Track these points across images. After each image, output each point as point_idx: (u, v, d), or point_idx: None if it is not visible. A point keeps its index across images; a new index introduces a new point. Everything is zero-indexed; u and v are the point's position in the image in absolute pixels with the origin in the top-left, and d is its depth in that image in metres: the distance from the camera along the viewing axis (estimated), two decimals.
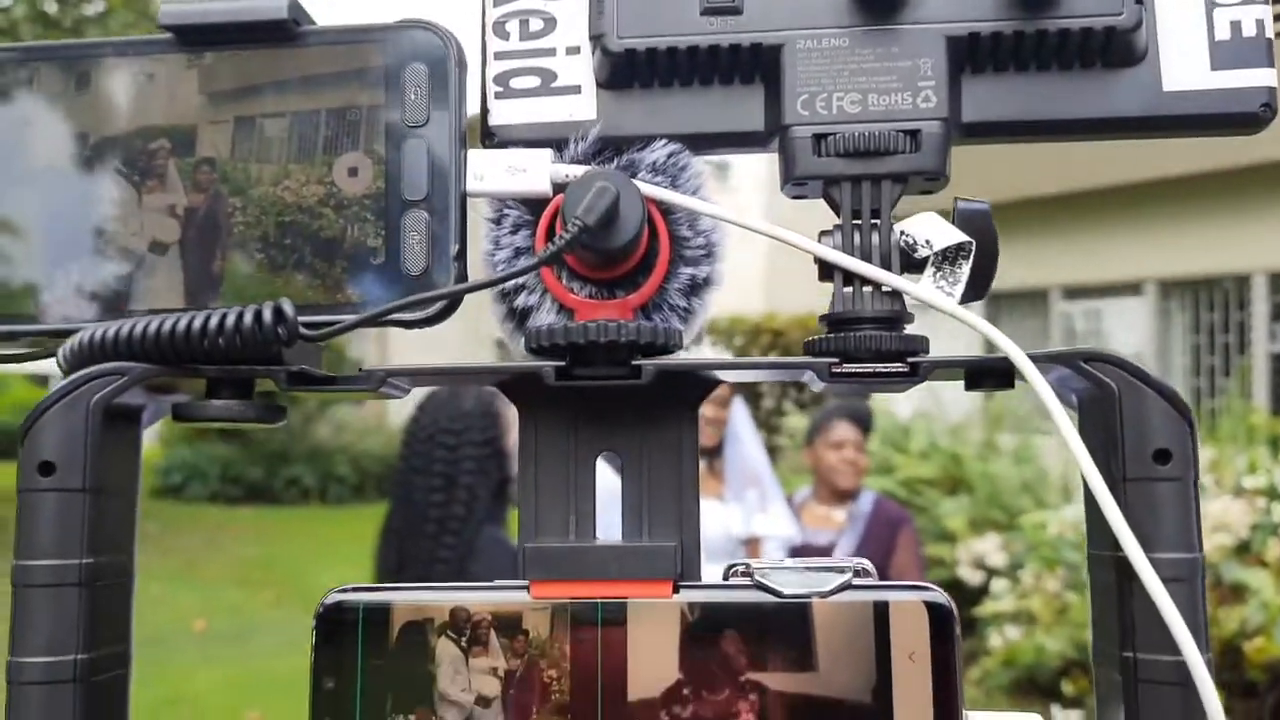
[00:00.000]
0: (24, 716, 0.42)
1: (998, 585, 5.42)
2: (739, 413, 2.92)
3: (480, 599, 0.46)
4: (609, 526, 0.49)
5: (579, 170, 0.48)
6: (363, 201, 0.48)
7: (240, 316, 0.45)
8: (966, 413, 7.09)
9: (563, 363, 0.46)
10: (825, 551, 2.95)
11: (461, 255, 0.48)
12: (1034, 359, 0.44)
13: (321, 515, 10.22)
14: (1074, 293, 8.31)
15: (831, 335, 0.46)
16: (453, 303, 0.47)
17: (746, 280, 10.18)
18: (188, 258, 0.48)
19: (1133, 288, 7.80)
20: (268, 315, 0.45)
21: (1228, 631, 4.22)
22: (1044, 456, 6.21)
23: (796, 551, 2.88)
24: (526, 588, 0.46)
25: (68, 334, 0.48)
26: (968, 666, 5.22)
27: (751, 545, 2.74)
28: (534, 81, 0.50)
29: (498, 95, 0.50)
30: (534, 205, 0.49)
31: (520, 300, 0.49)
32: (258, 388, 0.48)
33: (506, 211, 0.50)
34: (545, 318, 0.49)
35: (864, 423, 3.07)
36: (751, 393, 8.49)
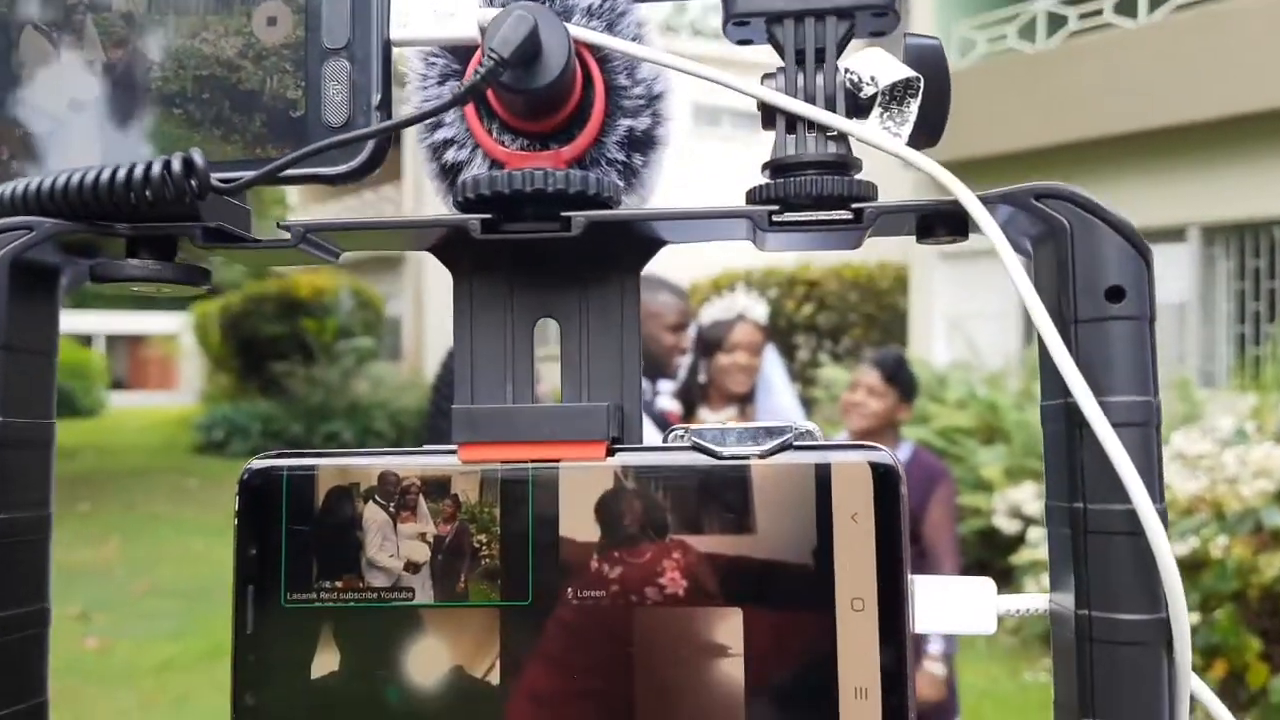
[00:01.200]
0: None
1: (1034, 534, 5.38)
2: (772, 361, 2.89)
3: (408, 463, 0.44)
4: None
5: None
6: (282, 51, 0.46)
7: (149, 168, 0.43)
8: (1005, 362, 7.01)
9: (489, 215, 0.44)
10: None
11: (385, 104, 0.45)
12: (984, 200, 0.41)
13: None
14: None
15: (772, 182, 0.44)
16: (377, 153, 0.45)
17: None
18: (106, 115, 0.47)
19: (1176, 233, 7.66)
20: (177, 166, 0.43)
21: (1268, 578, 4.16)
22: None
23: None
24: (455, 452, 0.44)
25: None
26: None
27: None
28: None
29: None
30: (463, 54, 0.47)
31: (450, 155, 0.47)
32: (181, 250, 0.46)
33: (433, 60, 0.47)
34: (479, 170, 0.46)
35: (888, 370, 3.02)
36: (786, 345, 8.43)
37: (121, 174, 0.43)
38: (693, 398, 2.81)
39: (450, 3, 0.46)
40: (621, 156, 0.46)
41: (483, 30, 0.45)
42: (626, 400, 0.47)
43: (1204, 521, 4.42)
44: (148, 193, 0.42)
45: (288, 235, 0.45)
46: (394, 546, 0.44)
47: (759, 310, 2.88)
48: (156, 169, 0.42)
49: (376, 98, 0.45)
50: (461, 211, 0.46)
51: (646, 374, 2.65)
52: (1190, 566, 4.51)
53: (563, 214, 0.44)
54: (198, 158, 0.43)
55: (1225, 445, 4.68)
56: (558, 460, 0.44)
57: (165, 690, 5.02)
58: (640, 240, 0.47)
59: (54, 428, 0.45)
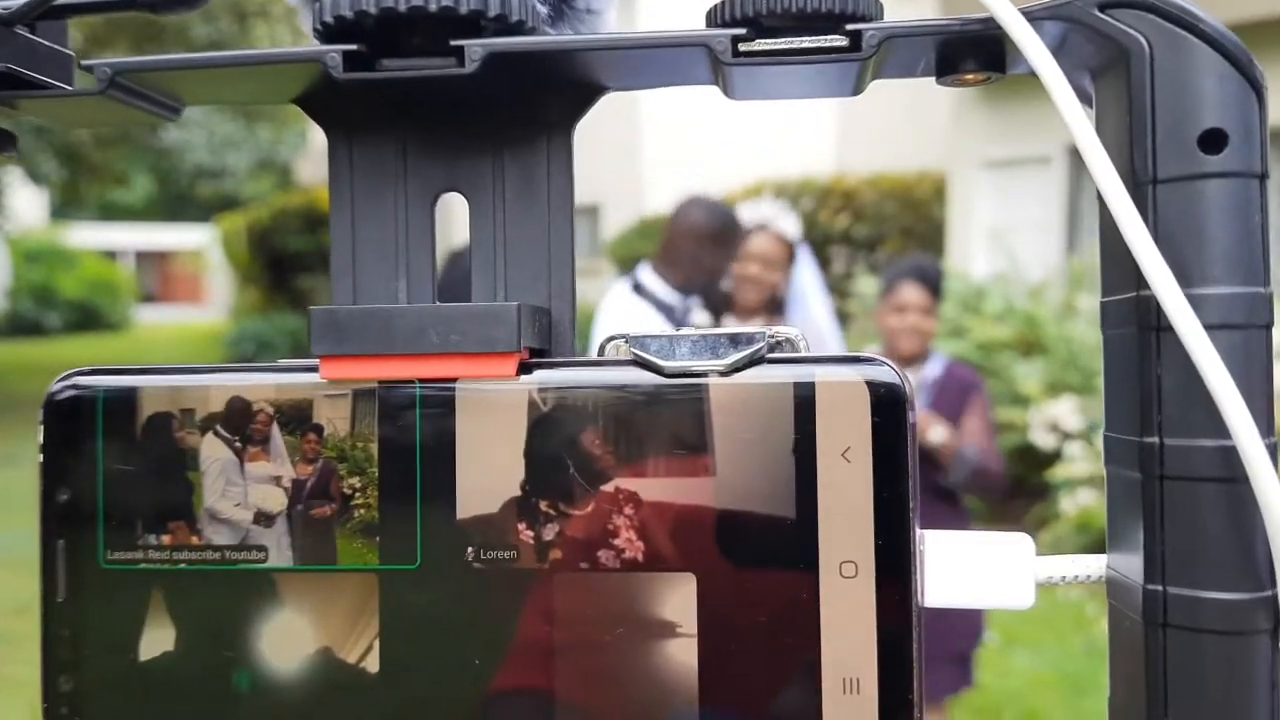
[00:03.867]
0: None
1: (1071, 449, 5.25)
2: (806, 272, 2.74)
3: (253, 382, 0.34)
4: None
5: None
6: None
7: None
8: (1046, 273, 6.82)
9: (356, 48, 0.33)
10: None
11: None
12: (1029, 15, 0.29)
13: None
14: None
15: None
16: None
17: (817, 142, 9.83)
18: None
19: None
20: None
21: None
22: None
23: None
24: (316, 368, 0.34)
25: None
26: (1039, 531, 5.10)
27: None
28: None
29: None
30: None
31: None
32: None
33: None
34: None
35: (933, 284, 2.87)
36: (821, 257, 8.25)
37: None
38: (719, 308, 2.68)
39: None
40: None
41: None
42: (555, 300, 0.36)
43: None
44: None
45: (89, 80, 0.34)
46: (240, 493, 0.33)
47: (785, 221, 2.72)
48: None
49: None
50: (323, 43, 0.34)
51: (685, 292, 2.51)
52: None
53: (454, 43, 0.32)
54: None
55: None
56: (453, 379, 0.33)
57: None
58: (569, 85, 0.35)
59: None
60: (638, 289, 2.49)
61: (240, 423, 0.33)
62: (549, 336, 0.35)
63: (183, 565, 0.33)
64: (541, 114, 0.36)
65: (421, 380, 0.33)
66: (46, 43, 0.35)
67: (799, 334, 0.33)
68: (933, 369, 2.90)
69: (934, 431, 2.62)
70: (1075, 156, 7.29)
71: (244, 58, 0.34)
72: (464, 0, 0.32)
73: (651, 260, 2.54)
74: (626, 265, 6.10)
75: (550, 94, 0.35)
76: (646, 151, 10.19)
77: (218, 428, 0.33)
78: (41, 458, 0.34)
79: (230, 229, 12.28)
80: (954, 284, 6.02)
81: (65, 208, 19.86)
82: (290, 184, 12.85)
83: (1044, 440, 5.34)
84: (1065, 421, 5.28)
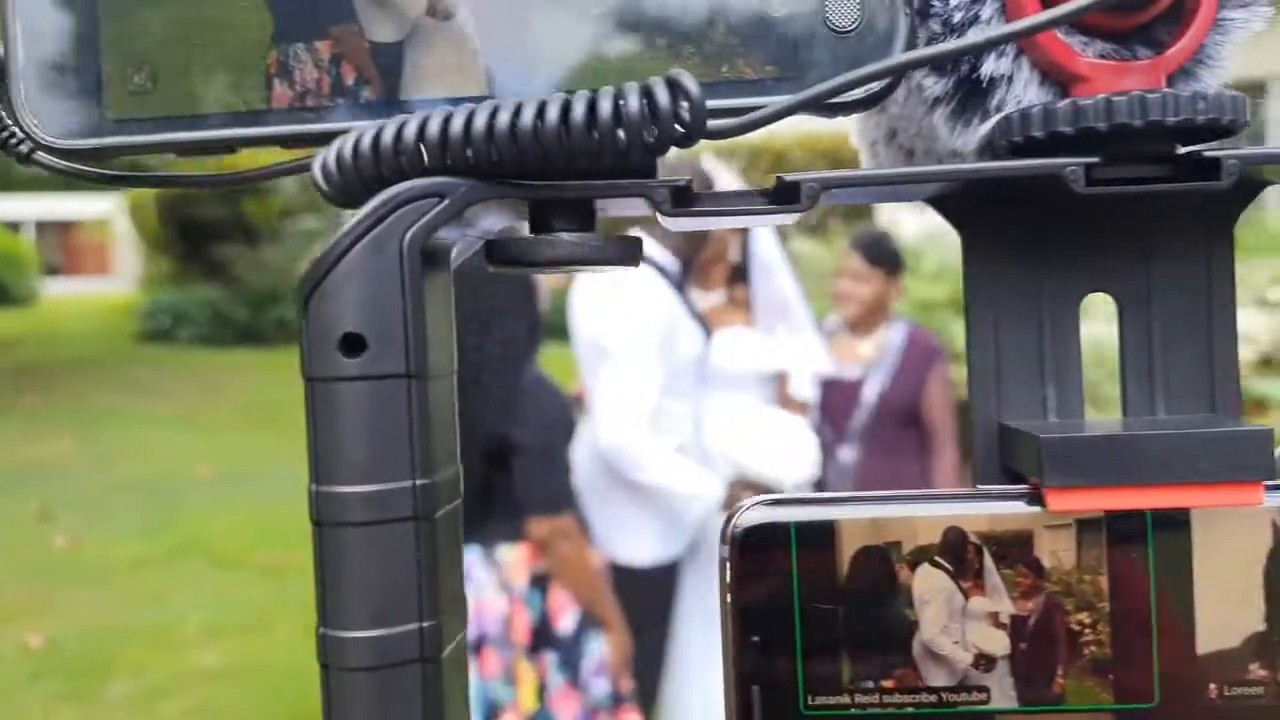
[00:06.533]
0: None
1: None
2: (766, 238, 2.72)
3: (965, 511, 0.32)
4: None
5: None
6: None
7: (617, 99, 0.28)
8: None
9: (1095, 159, 0.30)
10: (854, 387, 2.83)
11: (923, 1, 0.31)
12: None
13: None
14: None
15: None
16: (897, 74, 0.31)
17: None
18: (482, 23, 0.32)
19: None
20: (662, 96, 0.28)
21: None
22: None
23: (826, 386, 2.75)
24: (1033, 496, 0.32)
25: (317, 138, 0.32)
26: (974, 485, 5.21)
27: (780, 381, 2.61)
28: None
29: None
30: None
31: (988, 68, 0.33)
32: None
33: None
34: (1025, 92, 0.33)
35: (871, 253, 2.90)
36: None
37: (580, 110, 0.28)
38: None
39: None
40: (1226, 62, 0.33)
41: None
42: (1220, 409, 0.34)
43: None
44: (620, 134, 0.28)
45: (789, 195, 0.31)
46: (958, 630, 0.31)
47: (725, 179, 2.65)
48: (634, 102, 0.28)
49: None
50: (992, 152, 0.32)
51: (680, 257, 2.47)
52: None
53: (1182, 151, 0.30)
54: (689, 84, 0.28)
55: None
56: (1187, 507, 0.31)
57: (141, 588, 4.91)
58: (1239, 182, 0.33)
59: (461, 487, 0.32)
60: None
61: (956, 556, 0.31)
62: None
63: (893, 709, 0.31)
64: (1207, 211, 0.34)
65: (1156, 508, 0.31)
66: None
67: None
68: (895, 336, 2.94)
69: None
70: None
71: (965, 170, 0.31)
72: (1206, 109, 0.30)
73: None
74: None
75: (1223, 193, 0.33)
76: None
77: (934, 559, 0.31)
78: (730, 596, 0.31)
79: (138, 197, 11.87)
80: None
81: None
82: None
83: None
84: None
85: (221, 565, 5.26)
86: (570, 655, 2.25)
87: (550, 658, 2.23)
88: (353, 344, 0.28)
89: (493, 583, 2.22)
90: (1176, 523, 0.31)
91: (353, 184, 0.30)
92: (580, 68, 0.32)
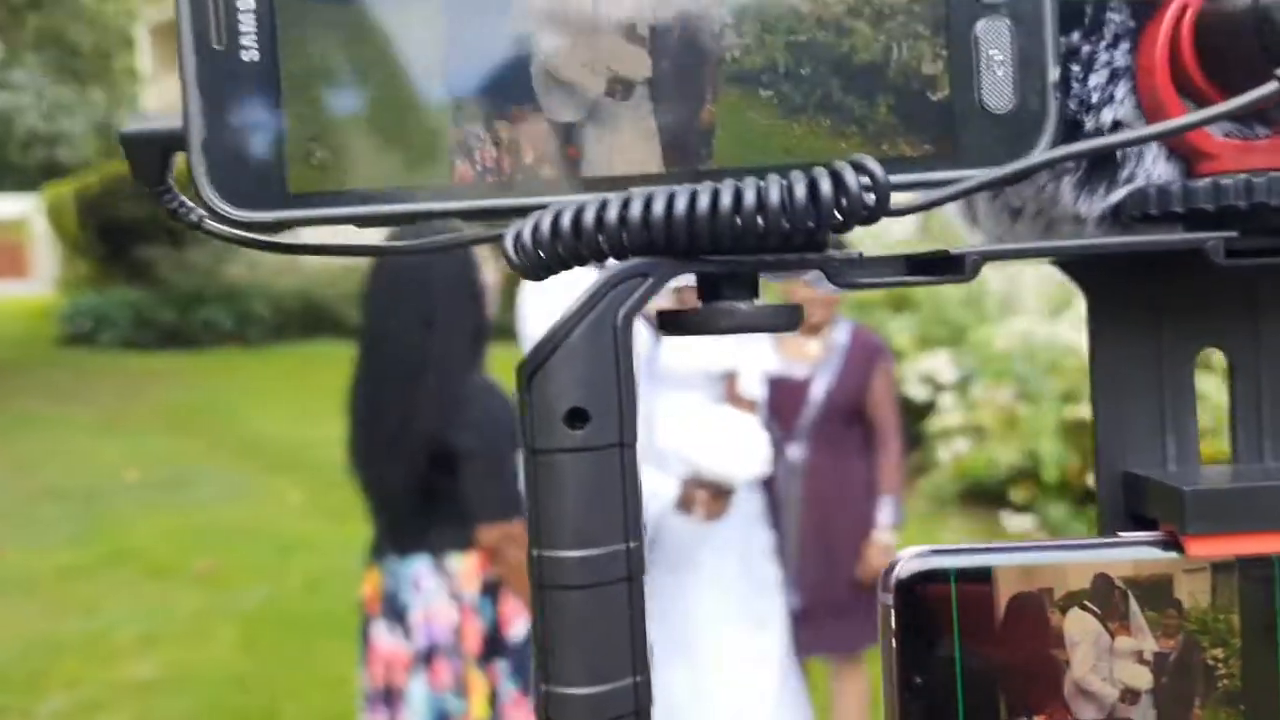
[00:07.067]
0: None
1: (945, 400, 5.48)
2: None
3: (1111, 558, 0.34)
4: None
5: None
6: (911, 9, 0.33)
7: (813, 184, 0.31)
8: (907, 230, 7.05)
9: (1233, 234, 0.33)
10: (802, 386, 2.89)
11: (1065, 86, 0.34)
12: None
13: (241, 357, 9.89)
14: None
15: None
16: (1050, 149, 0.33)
17: None
18: (660, 99, 0.34)
19: None
20: (851, 180, 0.30)
21: None
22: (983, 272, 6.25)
23: (774, 385, 2.80)
24: (1172, 543, 0.34)
25: (497, 212, 0.33)
26: (916, 479, 5.32)
27: (729, 380, 2.64)
28: None
29: None
30: (1134, 7, 0.35)
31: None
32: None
33: (1109, 16, 0.35)
34: (1154, 167, 0.35)
35: None
36: None
37: (774, 195, 0.30)
38: None
39: None
40: None
41: None
42: None
43: None
44: (812, 217, 0.30)
45: (954, 267, 0.33)
46: (1106, 668, 0.34)
47: None
48: (826, 187, 0.30)
49: (1053, 73, 0.33)
50: (1116, 219, 0.35)
51: None
52: None
53: None
54: (874, 167, 0.31)
55: None
56: None
57: (71, 598, 4.80)
58: None
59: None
60: None
61: (1105, 599, 0.34)
62: None
63: None
64: None
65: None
66: None
67: None
68: (840, 335, 3.00)
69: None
70: None
71: (1110, 244, 0.34)
72: None
73: None
74: None
75: None
76: None
77: (1084, 604, 0.34)
78: (894, 641, 0.34)
79: (57, 197, 11.55)
80: None
81: None
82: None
83: (917, 393, 5.55)
84: (941, 374, 5.51)
85: (153, 573, 5.17)
86: (522, 663, 2.24)
87: (502, 666, 2.23)
88: (577, 418, 0.30)
89: (443, 592, 2.22)
90: None
91: (549, 259, 0.31)
92: (749, 144, 0.34)
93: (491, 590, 2.22)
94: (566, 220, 0.31)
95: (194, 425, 7.67)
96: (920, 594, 0.34)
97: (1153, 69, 0.34)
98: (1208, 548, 0.34)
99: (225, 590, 4.93)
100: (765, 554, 2.64)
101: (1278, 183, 0.32)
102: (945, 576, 0.34)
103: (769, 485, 2.73)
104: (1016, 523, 5.00)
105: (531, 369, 0.30)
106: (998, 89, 0.33)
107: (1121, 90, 0.35)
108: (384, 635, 2.25)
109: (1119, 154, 0.35)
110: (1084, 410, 4.76)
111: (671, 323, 0.33)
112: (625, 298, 0.30)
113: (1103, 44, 0.35)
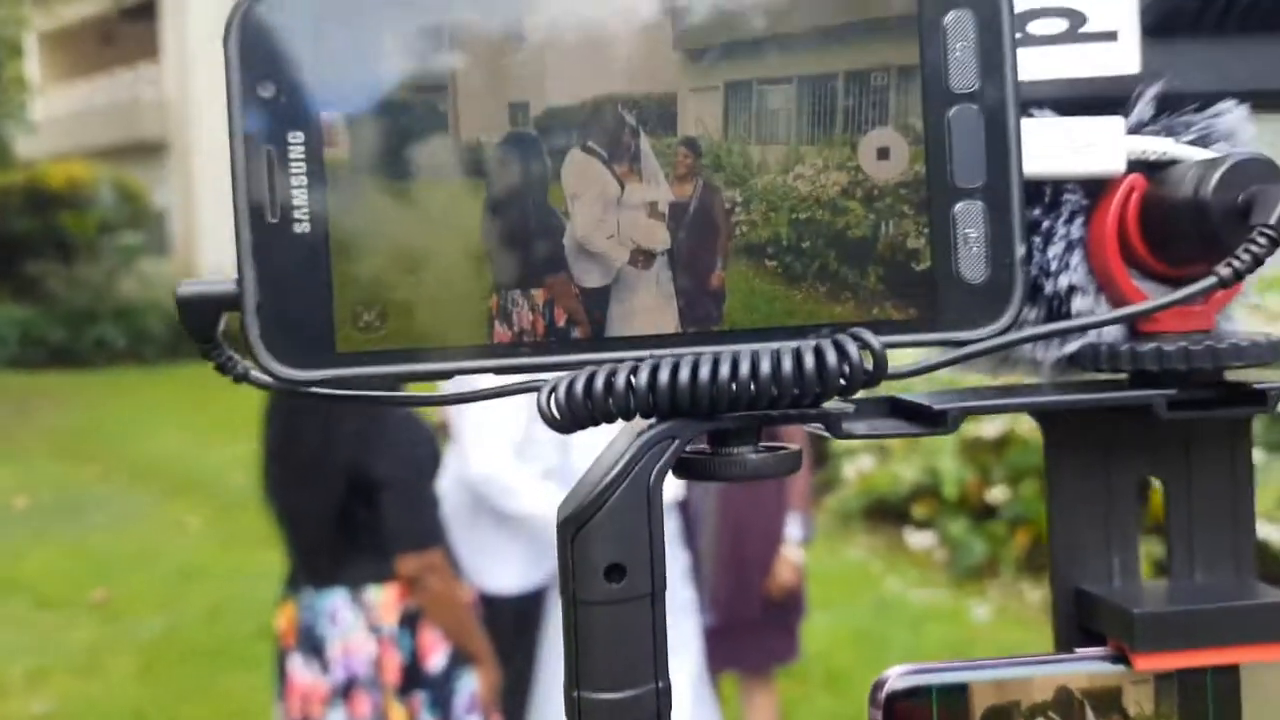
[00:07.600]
0: None
1: None
2: None
3: (1068, 671, 0.39)
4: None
5: (1157, 145, 0.39)
6: (898, 191, 0.38)
7: (820, 355, 0.35)
8: None
9: (1174, 392, 0.38)
10: None
11: (1029, 258, 0.38)
12: None
13: (136, 377, 9.64)
14: None
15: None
16: (1017, 317, 0.38)
17: None
18: (678, 268, 0.38)
19: None
20: (853, 351, 0.35)
21: None
22: None
23: None
24: (1121, 658, 0.39)
25: (531, 368, 0.37)
26: (822, 496, 5.44)
27: None
28: (1060, 25, 0.40)
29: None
30: (1091, 187, 0.40)
31: (1077, 304, 0.40)
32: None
33: (1066, 196, 0.40)
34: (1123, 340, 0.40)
35: None
36: None
37: (788, 365, 0.35)
38: None
39: (1086, 133, 0.39)
40: (1256, 299, 0.41)
41: (1135, 163, 0.39)
42: (1242, 575, 0.42)
43: None
44: (819, 383, 0.35)
45: (931, 417, 0.38)
46: None
47: None
48: (831, 357, 0.35)
49: (1020, 250, 0.38)
50: (1069, 368, 0.40)
51: None
52: (999, 444, 4.84)
53: (1259, 388, 0.39)
54: (871, 339, 0.35)
55: None
56: (1236, 664, 0.39)
57: None
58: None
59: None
60: None
61: (1066, 709, 0.39)
62: None
63: None
64: (1233, 415, 0.42)
65: (1214, 665, 0.39)
66: None
67: None
68: None
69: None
70: None
71: (1083, 399, 0.39)
72: (1252, 355, 0.38)
73: None
74: None
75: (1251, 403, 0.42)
76: None
77: (1049, 714, 0.39)
78: None
79: None
80: None
81: None
82: (9, 161, 11.70)
83: None
84: None
85: (45, 604, 5.03)
86: (441, 694, 2.25)
87: (421, 697, 2.24)
88: (615, 572, 0.33)
89: (361, 624, 2.22)
90: (1229, 676, 0.39)
91: (580, 415, 0.35)
92: (756, 308, 0.38)
93: (410, 621, 2.23)
94: (599, 383, 0.35)
95: (86, 448, 7.47)
96: (905, 710, 0.38)
97: (1103, 241, 0.40)
98: (1152, 663, 0.39)
99: (122, 620, 4.82)
100: (681, 577, 2.69)
101: (1210, 349, 0.38)
102: (927, 692, 0.38)
103: (684, 507, 2.78)
104: (918, 539, 5.15)
105: (575, 528, 0.33)
106: (973, 262, 0.38)
107: (1075, 259, 0.40)
108: (300, 669, 2.25)
109: (1076, 311, 0.40)
110: (982, 428, 4.95)
111: (688, 469, 0.37)
112: (657, 460, 0.34)
113: (1060, 220, 0.40)
